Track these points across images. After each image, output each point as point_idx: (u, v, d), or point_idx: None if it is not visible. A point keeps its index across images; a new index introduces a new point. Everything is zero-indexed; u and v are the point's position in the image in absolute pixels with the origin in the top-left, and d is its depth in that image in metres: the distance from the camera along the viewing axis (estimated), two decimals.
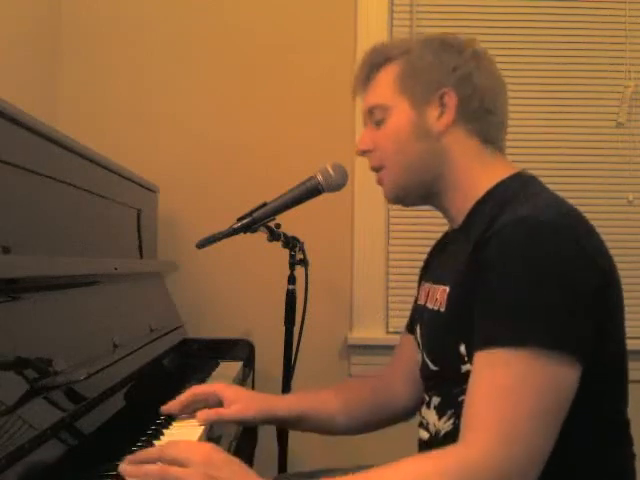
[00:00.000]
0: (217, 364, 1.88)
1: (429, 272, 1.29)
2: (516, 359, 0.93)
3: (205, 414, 1.23)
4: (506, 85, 1.20)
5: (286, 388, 1.71)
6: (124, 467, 0.93)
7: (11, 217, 1.16)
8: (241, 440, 1.55)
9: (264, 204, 1.60)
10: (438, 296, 1.14)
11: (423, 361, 1.18)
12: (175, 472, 0.90)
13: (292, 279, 1.71)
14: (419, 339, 1.24)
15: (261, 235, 1.64)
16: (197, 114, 2.37)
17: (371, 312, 2.34)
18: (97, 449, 1.06)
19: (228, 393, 1.27)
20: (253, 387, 2.06)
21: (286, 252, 1.72)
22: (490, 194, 1.11)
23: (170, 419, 1.27)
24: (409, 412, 1.35)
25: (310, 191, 1.60)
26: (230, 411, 1.24)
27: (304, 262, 1.72)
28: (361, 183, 2.25)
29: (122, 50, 2.37)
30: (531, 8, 2.38)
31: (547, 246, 0.95)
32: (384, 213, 2.34)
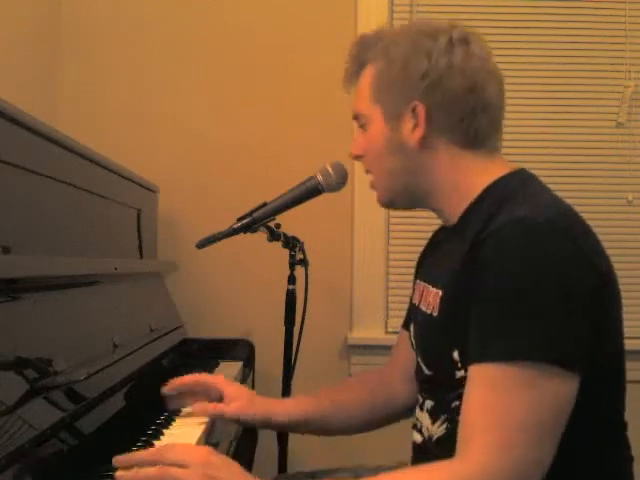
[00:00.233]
0: (217, 364, 1.88)
1: (423, 270, 1.27)
2: (511, 373, 0.91)
3: (203, 407, 1.24)
4: (499, 73, 1.11)
5: (286, 388, 1.71)
6: (120, 474, 0.92)
7: (11, 217, 1.15)
8: (241, 440, 1.55)
9: (264, 204, 1.60)
10: (431, 299, 1.11)
11: (418, 364, 1.17)
12: (175, 472, 0.90)
13: (292, 279, 1.72)
14: (413, 339, 1.23)
15: (261, 235, 1.64)
16: (197, 114, 2.37)
17: (371, 312, 2.34)
18: (97, 449, 1.06)
19: (230, 390, 1.28)
20: (253, 387, 2.06)
21: (286, 252, 1.72)
22: (487, 192, 1.08)
23: (170, 419, 1.28)
24: (409, 409, 1.34)
25: (310, 191, 1.60)
26: (229, 409, 1.25)
27: (304, 262, 1.73)
28: (361, 183, 2.24)
29: (122, 50, 2.37)
30: (531, 8, 2.38)
31: (544, 247, 0.94)
32: (384, 213, 2.34)
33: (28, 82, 2.13)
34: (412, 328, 1.24)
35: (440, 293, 1.08)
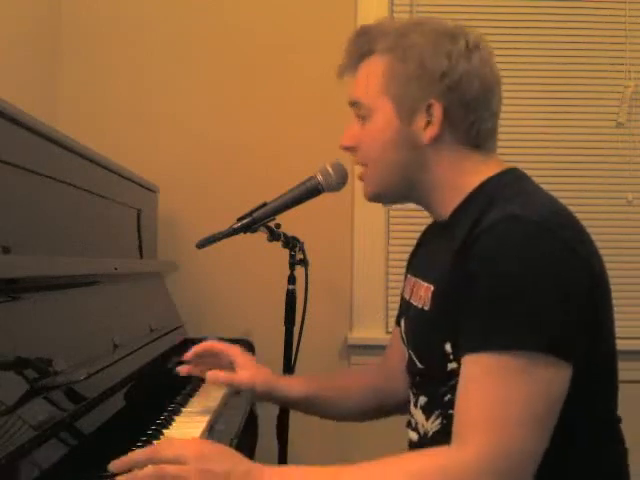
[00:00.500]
0: None
1: (414, 264, 1.28)
2: (507, 362, 0.92)
3: (217, 375, 1.27)
4: (500, 79, 1.13)
5: None
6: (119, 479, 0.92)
7: (11, 217, 1.16)
8: (241, 438, 1.55)
9: (264, 204, 1.60)
10: (422, 293, 1.13)
11: (410, 358, 1.18)
12: (172, 470, 0.90)
13: (292, 279, 1.71)
14: (404, 334, 1.24)
15: (261, 235, 1.63)
16: (197, 114, 2.37)
17: (371, 312, 2.34)
18: (97, 449, 1.06)
19: (241, 359, 1.32)
20: None
21: (286, 252, 1.72)
22: (480, 189, 1.09)
23: (170, 419, 1.28)
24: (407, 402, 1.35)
25: (310, 191, 1.59)
26: (240, 376, 1.28)
27: (304, 262, 1.72)
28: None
29: (122, 50, 2.37)
30: (531, 8, 2.38)
31: (541, 246, 0.94)
32: (384, 213, 2.34)
33: (28, 82, 2.13)
34: (403, 323, 1.25)
35: (432, 288, 1.09)
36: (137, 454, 0.95)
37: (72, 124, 2.14)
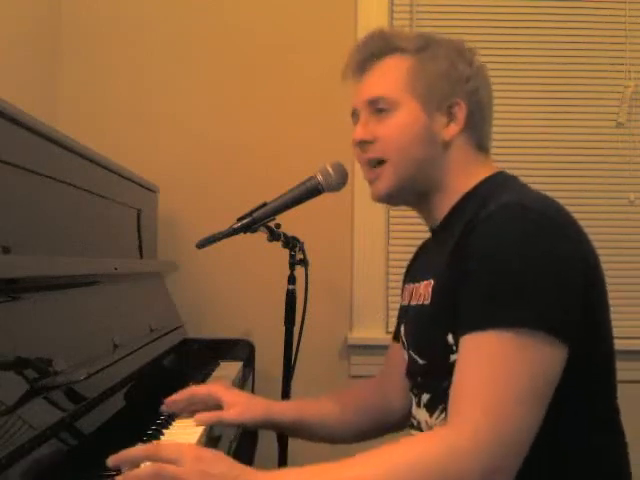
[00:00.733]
0: (217, 364, 1.88)
1: (411, 274, 1.31)
2: (503, 341, 0.92)
3: (204, 417, 1.23)
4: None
5: (286, 388, 1.71)
6: (119, 479, 0.92)
7: (11, 217, 1.15)
8: (241, 441, 1.55)
9: (264, 204, 1.60)
10: (422, 290, 1.15)
11: (410, 359, 1.18)
12: (170, 470, 0.90)
13: (292, 279, 1.71)
14: (404, 339, 1.25)
15: (261, 235, 1.63)
16: (197, 114, 2.37)
17: (371, 312, 2.34)
18: (97, 449, 1.06)
19: (227, 397, 1.26)
20: (253, 387, 2.06)
21: (286, 252, 1.71)
22: (473, 191, 1.13)
23: (170, 419, 1.27)
24: (405, 419, 1.34)
25: (310, 191, 1.59)
26: (229, 414, 1.24)
27: (304, 262, 1.72)
28: (361, 183, 2.23)
29: (122, 50, 2.37)
30: (531, 8, 2.38)
31: (539, 229, 0.97)
32: (384, 213, 2.34)
33: (28, 82, 2.13)
34: (402, 329, 1.27)
35: (432, 282, 1.11)
36: (136, 450, 0.95)
37: (72, 124, 2.14)
